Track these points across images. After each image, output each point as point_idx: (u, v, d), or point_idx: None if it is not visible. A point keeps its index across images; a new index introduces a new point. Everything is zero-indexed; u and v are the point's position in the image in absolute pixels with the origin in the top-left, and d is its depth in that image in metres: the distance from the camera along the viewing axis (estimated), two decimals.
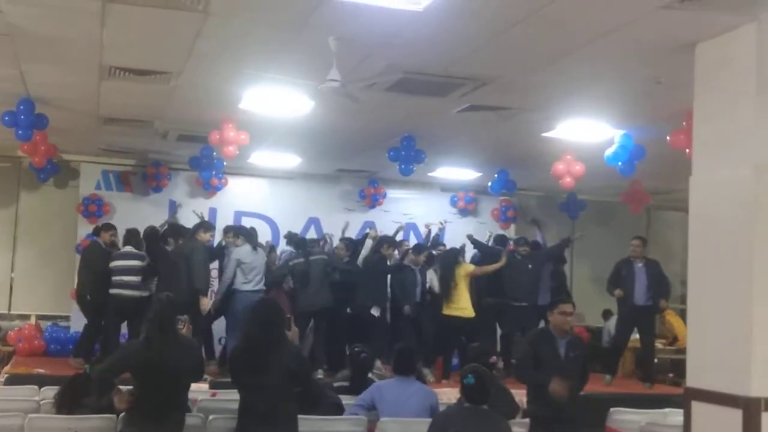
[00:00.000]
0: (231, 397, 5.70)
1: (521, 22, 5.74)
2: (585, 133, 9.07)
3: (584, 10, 5.51)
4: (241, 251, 10.21)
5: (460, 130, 9.58)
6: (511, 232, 13.64)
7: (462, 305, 10.36)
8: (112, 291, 9.88)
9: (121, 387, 5.44)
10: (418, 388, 6.35)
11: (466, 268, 10.64)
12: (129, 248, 10.10)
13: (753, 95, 5.09)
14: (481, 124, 9.18)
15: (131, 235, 10.22)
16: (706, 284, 5.29)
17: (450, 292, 10.39)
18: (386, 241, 10.86)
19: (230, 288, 10.16)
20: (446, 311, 10.38)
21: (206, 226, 10.46)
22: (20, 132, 8.84)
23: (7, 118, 8.77)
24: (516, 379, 7.22)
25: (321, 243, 11.48)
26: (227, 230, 10.80)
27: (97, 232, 10.75)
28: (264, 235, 11.77)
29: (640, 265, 10.38)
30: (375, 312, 10.35)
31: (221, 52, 6.85)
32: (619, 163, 9.16)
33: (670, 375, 10.65)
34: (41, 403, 6.08)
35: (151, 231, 10.24)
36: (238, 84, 7.76)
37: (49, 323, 12.00)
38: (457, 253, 10.89)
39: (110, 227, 10.70)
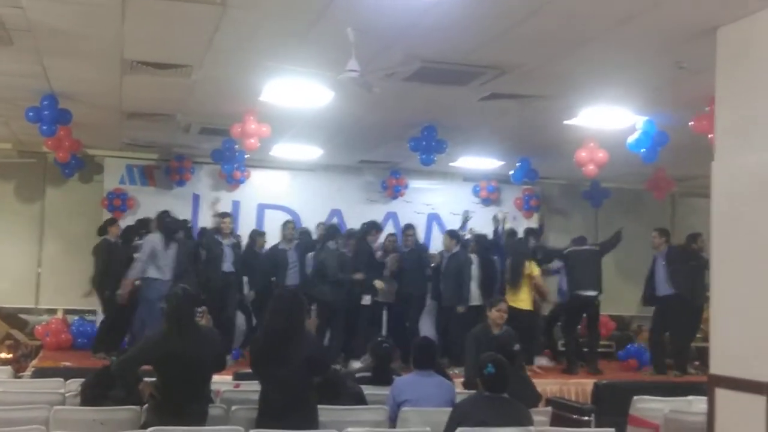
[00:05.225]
0: (254, 388, 5.73)
1: (539, 9, 5.70)
2: (607, 120, 9.00)
3: None
4: None
5: (481, 118, 9.54)
6: (533, 221, 13.62)
7: (522, 297, 10.12)
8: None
9: (146, 379, 5.51)
10: (437, 380, 6.31)
11: (533, 268, 10.31)
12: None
13: None
14: (503, 113, 9.15)
15: (140, 226, 10.45)
16: (728, 270, 5.24)
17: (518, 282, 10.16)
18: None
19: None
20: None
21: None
22: (44, 127, 8.95)
23: (31, 114, 8.87)
24: None
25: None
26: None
27: (104, 230, 10.77)
28: None
29: (659, 257, 10.44)
30: (365, 301, 10.44)
31: (240, 44, 6.87)
32: (642, 150, 9.10)
33: (696, 363, 10.57)
34: (66, 395, 6.15)
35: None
36: (258, 76, 7.78)
37: (76, 317, 12.11)
38: (527, 247, 10.75)
39: (114, 221, 10.92)
